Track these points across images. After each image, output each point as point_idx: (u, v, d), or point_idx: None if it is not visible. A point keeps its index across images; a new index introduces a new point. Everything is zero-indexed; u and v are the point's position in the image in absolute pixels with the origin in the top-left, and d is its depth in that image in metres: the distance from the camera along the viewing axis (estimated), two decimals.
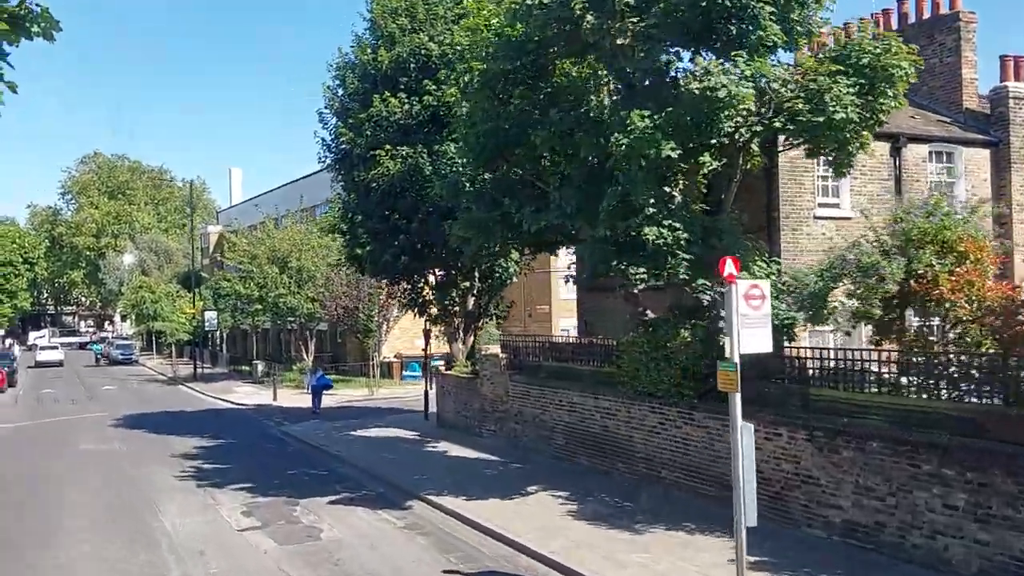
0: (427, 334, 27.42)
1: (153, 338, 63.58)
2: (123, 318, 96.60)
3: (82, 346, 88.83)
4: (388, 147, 21.96)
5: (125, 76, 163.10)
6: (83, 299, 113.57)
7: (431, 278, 24.45)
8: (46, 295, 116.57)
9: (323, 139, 24.06)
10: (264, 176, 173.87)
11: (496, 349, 22.25)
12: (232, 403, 35.32)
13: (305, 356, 44.76)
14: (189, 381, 45.40)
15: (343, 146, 23.13)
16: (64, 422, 30.02)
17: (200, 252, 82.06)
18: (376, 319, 36.79)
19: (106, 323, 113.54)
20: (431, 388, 26.77)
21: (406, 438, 23.41)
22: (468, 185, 17.62)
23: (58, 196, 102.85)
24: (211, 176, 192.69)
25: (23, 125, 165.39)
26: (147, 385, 45.48)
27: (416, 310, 24.91)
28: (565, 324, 42.80)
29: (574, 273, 19.01)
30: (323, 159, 24.46)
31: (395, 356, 43.54)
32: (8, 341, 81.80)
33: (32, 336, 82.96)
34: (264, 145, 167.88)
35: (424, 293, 24.40)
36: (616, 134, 13.10)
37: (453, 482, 16.99)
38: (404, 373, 43.28)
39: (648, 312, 15.92)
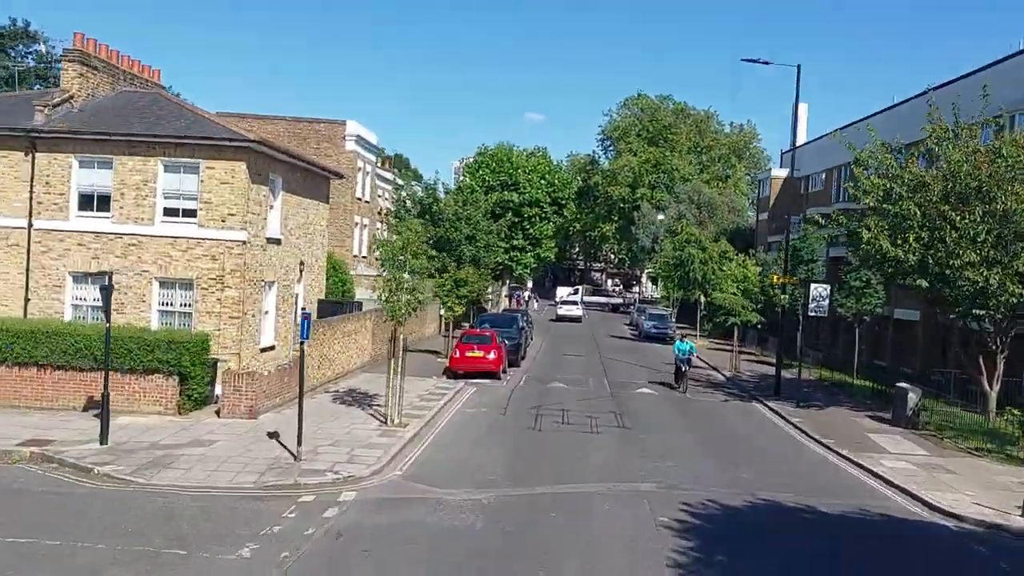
0: None
1: (698, 311, 47.38)
2: (652, 280, 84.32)
3: (613, 308, 78.79)
4: None
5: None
6: (612, 256, 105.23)
7: None
8: (576, 249, 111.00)
9: None
10: (831, 117, 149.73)
11: None
12: (899, 491, 15.90)
13: (987, 385, 23.53)
14: (766, 395, 27.33)
15: None
16: (566, 508, 13.59)
17: (756, 205, 65.00)
18: None
19: (632, 284, 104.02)
20: None
21: None
22: None
23: (596, 143, 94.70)
24: (763, 123, 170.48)
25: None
26: (701, 396, 28.16)
27: None
28: None
29: None
30: None
31: None
32: (527, 295, 73.67)
33: (560, 292, 73.65)
34: (828, 83, 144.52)
35: None
36: None
37: None
38: None
39: None
